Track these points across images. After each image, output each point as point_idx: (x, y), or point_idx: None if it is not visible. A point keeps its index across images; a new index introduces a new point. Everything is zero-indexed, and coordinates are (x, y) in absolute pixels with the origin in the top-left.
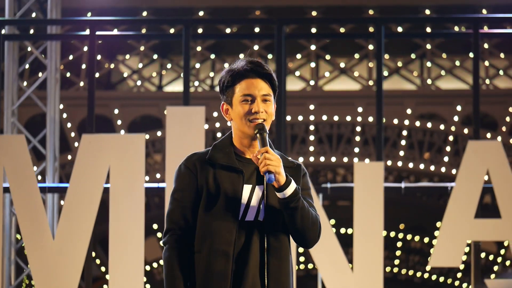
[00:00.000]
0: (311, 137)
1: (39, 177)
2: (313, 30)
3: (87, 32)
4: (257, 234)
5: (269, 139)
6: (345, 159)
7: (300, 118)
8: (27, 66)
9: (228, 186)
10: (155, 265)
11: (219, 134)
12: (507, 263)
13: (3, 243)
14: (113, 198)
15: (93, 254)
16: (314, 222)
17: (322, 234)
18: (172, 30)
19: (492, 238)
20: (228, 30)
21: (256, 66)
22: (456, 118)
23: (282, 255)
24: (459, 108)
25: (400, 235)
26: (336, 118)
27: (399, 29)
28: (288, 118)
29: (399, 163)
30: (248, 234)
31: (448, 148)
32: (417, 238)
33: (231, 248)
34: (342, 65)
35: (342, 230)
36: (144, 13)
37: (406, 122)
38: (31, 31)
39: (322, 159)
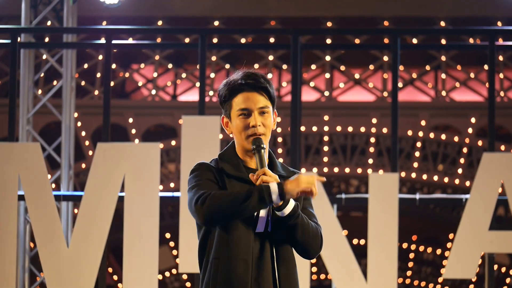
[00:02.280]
0: (325, 148)
1: (53, 185)
2: (328, 41)
3: (103, 40)
4: (268, 244)
5: (270, 152)
6: (359, 170)
7: (315, 128)
8: (42, 74)
9: None
10: (167, 274)
11: None
12: None
13: (18, 251)
14: (128, 207)
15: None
16: (315, 235)
17: (336, 245)
18: (187, 40)
19: (507, 250)
20: (243, 40)
21: (251, 79)
22: (470, 130)
23: (290, 265)
24: (473, 120)
25: (413, 247)
26: (350, 129)
27: (414, 41)
28: (302, 128)
29: (413, 175)
30: (260, 244)
31: (462, 160)
32: (429, 249)
33: (249, 257)
34: (356, 76)
35: (355, 241)
36: (159, 22)
37: (420, 133)
38: (47, 39)
39: (336, 169)
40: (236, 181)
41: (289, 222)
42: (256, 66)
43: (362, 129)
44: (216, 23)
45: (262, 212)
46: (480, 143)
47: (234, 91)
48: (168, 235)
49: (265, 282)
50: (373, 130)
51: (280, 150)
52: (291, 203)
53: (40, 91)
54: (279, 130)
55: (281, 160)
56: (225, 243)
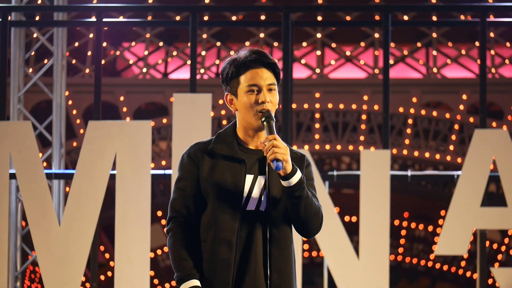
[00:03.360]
0: (317, 125)
1: (45, 164)
2: (319, 18)
3: (94, 19)
4: (259, 224)
5: (276, 128)
6: (351, 147)
7: (306, 106)
8: (33, 52)
9: (230, 176)
10: (159, 252)
11: (224, 122)
12: (511, 252)
13: (9, 229)
14: (119, 185)
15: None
16: (317, 212)
17: (328, 222)
18: (178, 17)
19: (498, 226)
20: (234, 18)
21: (261, 56)
22: (461, 107)
23: (284, 245)
24: (464, 96)
25: (405, 224)
26: (341, 106)
27: (405, 18)
28: (294, 106)
29: (405, 152)
30: (251, 224)
31: (453, 137)
32: (421, 226)
33: (234, 237)
34: (348, 53)
35: (347, 218)
36: (150, 0)
37: (412, 110)
38: (38, 18)
39: (327, 147)
40: (227, 161)
41: (294, 193)
42: (247, 43)
43: (354, 106)
44: (207, 0)
45: (256, 191)
46: (471, 119)
47: (243, 68)
48: (159, 213)
49: (252, 264)
50: (365, 107)
51: None
52: (298, 173)
53: (31, 70)
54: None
55: None
56: (210, 225)
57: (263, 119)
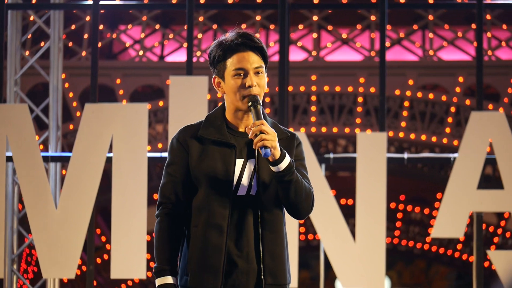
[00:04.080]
0: (313, 108)
1: (41, 146)
2: (316, 0)
3: (90, 1)
4: (250, 208)
5: (263, 111)
6: (347, 130)
7: (302, 88)
8: (29, 35)
9: (220, 162)
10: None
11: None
12: (507, 234)
13: (6, 212)
14: (116, 168)
15: None
16: (307, 195)
17: (324, 205)
18: (174, 0)
19: (495, 209)
20: (230, 0)
21: (247, 39)
22: (458, 89)
23: (276, 229)
24: (461, 79)
25: (401, 206)
26: (337, 88)
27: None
28: (290, 88)
29: (401, 134)
30: (242, 209)
31: (450, 119)
32: (417, 209)
33: (225, 222)
34: (344, 35)
35: (343, 201)
36: None
37: (408, 93)
38: (34, 0)
39: (323, 129)
40: (216, 146)
41: (284, 178)
42: (244, 26)
43: (350, 89)
44: None
45: (246, 175)
46: (468, 102)
47: (229, 51)
48: (156, 196)
49: (244, 247)
50: (361, 89)
51: (267, 110)
52: (287, 158)
53: (27, 53)
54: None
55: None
56: (202, 210)
57: (249, 103)
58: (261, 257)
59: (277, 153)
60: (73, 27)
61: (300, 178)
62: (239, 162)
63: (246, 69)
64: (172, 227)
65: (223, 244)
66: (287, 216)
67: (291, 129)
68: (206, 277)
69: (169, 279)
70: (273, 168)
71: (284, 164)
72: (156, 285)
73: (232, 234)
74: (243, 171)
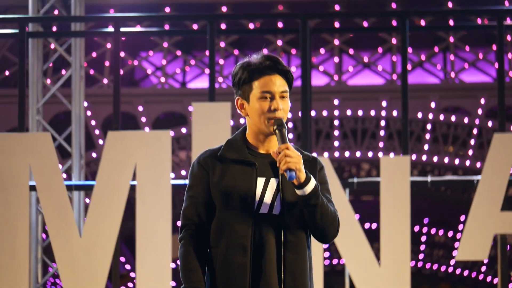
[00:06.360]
0: (336, 132)
1: (65, 175)
2: (337, 24)
3: (111, 28)
4: (273, 228)
5: (287, 131)
6: (370, 154)
7: (325, 113)
8: (51, 63)
9: (241, 180)
10: None
11: None
12: None
13: (30, 242)
14: (140, 195)
15: None
16: (333, 218)
17: (348, 229)
18: (195, 26)
19: None
20: (251, 25)
21: (274, 62)
22: (480, 111)
23: (299, 250)
24: (482, 101)
25: (424, 229)
26: (360, 112)
27: (422, 22)
28: (313, 113)
29: (424, 157)
30: (264, 227)
31: (472, 141)
32: (441, 232)
33: (248, 242)
34: (365, 59)
35: (366, 225)
36: (167, 9)
37: (430, 115)
38: (55, 28)
39: (346, 154)
40: (237, 165)
41: (309, 202)
42: (265, 51)
43: (372, 113)
44: (224, 8)
45: (268, 193)
46: (490, 124)
47: (256, 73)
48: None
49: (267, 267)
50: (383, 113)
51: (290, 135)
52: (313, 181)
53: (49, 81)
54: (289, 115)
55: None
56: (223, 230)
57: (275, 127)
58: (283, 277)
59: (302, 176)
60: (94, 54)
61: (326, 202)
62: (261, 181)
63: (272, 92)
64: (197, 247)
65: (247, 264)
66: (313, 240)
67: (314, 155)
68: None
69: None
70: (299, 192)
71: (309, 188)
72: None
73: (255, 253)
74: (265, 189)
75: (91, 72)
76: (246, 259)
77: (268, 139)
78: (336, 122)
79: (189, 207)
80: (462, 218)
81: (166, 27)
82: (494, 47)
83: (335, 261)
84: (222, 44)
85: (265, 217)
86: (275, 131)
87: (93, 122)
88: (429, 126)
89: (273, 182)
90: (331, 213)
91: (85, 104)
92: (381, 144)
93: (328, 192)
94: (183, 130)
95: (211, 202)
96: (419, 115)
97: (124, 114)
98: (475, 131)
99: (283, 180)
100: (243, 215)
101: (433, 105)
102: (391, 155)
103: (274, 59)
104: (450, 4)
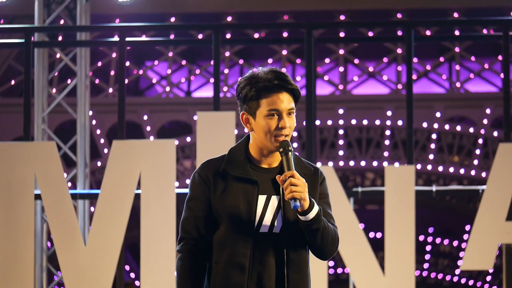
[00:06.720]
0: (340, 142)
1: (69, 184)
2: (341, 34)
3: (116, 38)
4: (273, 246)
5: (293, 154)
6: (375, 163)
7: (329, 122)
8: (56, 73)
9: (242, 199)
10: None
11: None
12: None
13: (35, 250)
14: (144, 204)
15: None
16: (333, 239)
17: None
18: (200, 36)
19: None
20: (256, 35)
21: (283, 80)
22: (485, 121)
23: (301, 268)
24: (488, 111)
25: (429, 239)
26: (365, 122)
27: (428, 32)
28: (317, 122)
29: (429, 167)
30: (264, 246)
31: (477, 151)
32: (446, 241)
33: (247, 261)
34: (370, 69)
35: (371, 234)
36: (172, 19)
37: (435, 125)
38: (60, 38)
39: (351, 163)
40: (239, 182)
41: (311, 227)
42: (270, 60)
43: (377, 122)
44: (229, 18)
45: (269, 212)
46: (495, 133)
47: (264, 91)
48: None
49: (267, 286)
50: (388, 122)
51: (295, 145)
52: (316, 208)
53: (54, 90)
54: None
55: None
56: (223, 247)
57: (280, 149)
58: None
59: (306, 204)
60: (99, 64)
61: (327, 224)
62: (262, 199)
63: (280, 110)
64: (195, 263)
65: (244, 283)
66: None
67: (318, 164)
68: None
69: None
70: (301, 218)
71: (312, 214)
72: None
73: (254, 273)
74: (266, 207)
75: (96, 81)
76: (244, 277)
77: (271, 154)
78: (341, 132)
79: (189, 220)
80: (467, 227)
81: (172, 36)
82: (500, 57)
83: (339, 270)
84: (227, 54)
85: (265, 236)
86: (281, 154)
87: (98, 131)
88: (434, 136)
89: (274, 200)
90: (331, 234)
91: (90, 113)
92: (386, 154)
93: (328, 205)
94: (188, 139)
95: (211, 217)
96: (425, 124)
97: (129, 123)
98: (480, 141)
99: (284, 199)
100: (243, 234)
101: (438, 114)
102: (396, 164)
103: (283, 77)
104: (455, 14)
